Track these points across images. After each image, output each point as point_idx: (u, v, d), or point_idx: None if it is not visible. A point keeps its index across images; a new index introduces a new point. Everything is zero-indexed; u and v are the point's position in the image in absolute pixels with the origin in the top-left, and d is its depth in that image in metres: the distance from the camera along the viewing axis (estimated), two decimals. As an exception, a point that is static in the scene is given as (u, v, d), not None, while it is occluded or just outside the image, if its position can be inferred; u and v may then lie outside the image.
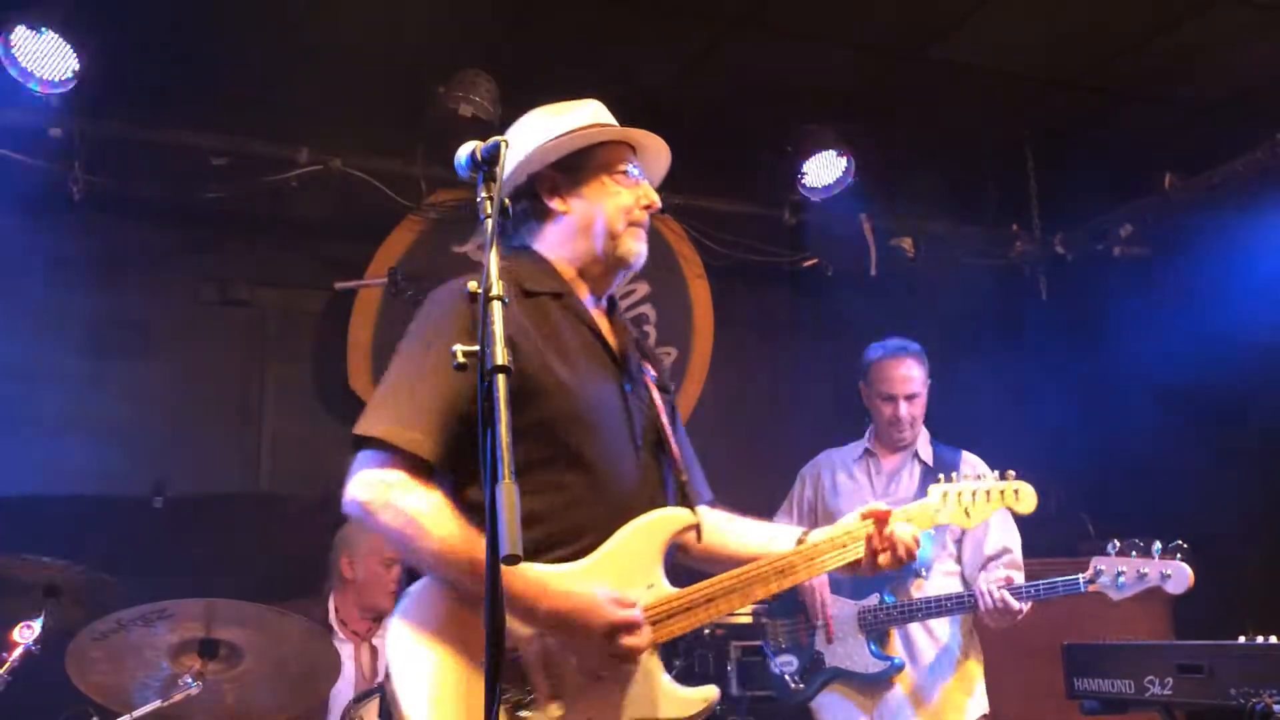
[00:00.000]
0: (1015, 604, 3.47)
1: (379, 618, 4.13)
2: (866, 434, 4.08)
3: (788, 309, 5.71)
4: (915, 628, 3.75)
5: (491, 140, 1.79)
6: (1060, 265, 5.80)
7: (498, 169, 1.77)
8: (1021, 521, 3.87)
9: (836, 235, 5.46)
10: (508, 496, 1.51)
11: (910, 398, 3.90)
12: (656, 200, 2.35)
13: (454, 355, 1.65)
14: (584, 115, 2.36)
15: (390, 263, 4.78)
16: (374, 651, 4.14)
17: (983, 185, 5.82)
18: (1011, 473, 2.54)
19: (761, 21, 4.55)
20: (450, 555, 1.95)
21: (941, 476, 2.48)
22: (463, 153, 1.84)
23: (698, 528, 2.18)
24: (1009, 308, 5.85)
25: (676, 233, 5.41)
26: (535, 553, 2.00)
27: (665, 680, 2.06)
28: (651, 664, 2.05)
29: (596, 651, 1.97)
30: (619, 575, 2.06)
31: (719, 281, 5.45)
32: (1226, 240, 4.96)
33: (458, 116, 4.35)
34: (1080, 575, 3.36)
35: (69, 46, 4.05)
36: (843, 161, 5.08)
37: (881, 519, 2.25)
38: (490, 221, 1.73)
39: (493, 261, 1.70)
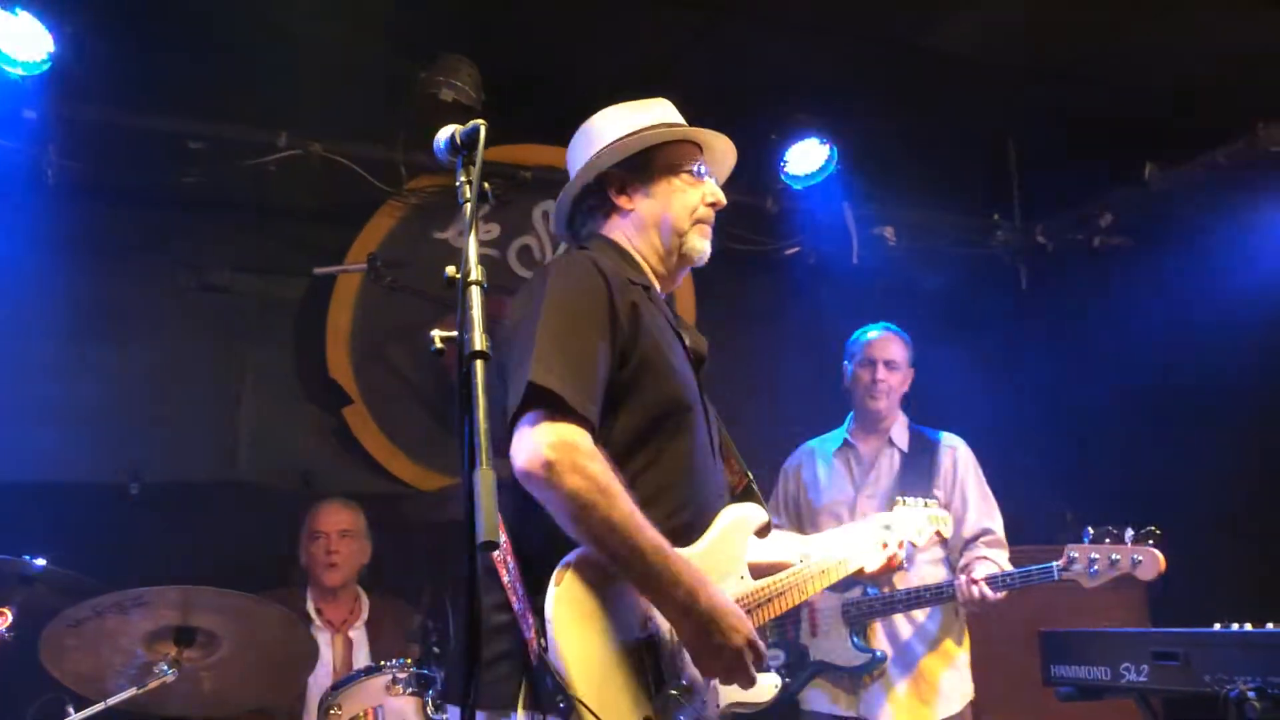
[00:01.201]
0: (991, 595, 3.50)
1: (337, 593, 4.14)
2: (846, 423, 4.09)
3: (770, 296, 5.71)
4: (899, 617, 3.77)
5: (471, 123, 1.77)
6: (1041, 255, 5.81)
7: (477, 152, 1.75)
8: (1000, 511, 3.90)
9: (819, 223, 5.46)
10: (485, 483, 1.49)
11: (889, 364, 3.94)
12: (722, 198, 2.42)
13: (432, 340, 1.64)
14: (652, 115, 2.42)
15: (370, 248, 4.76)
16: (350, 642, 4.13)
17: (965, 174, 5.82)
18: (934, 502, 3.02)
19: (749, 8, 4.53)
20: (633, 530, 1.93)
21: (899, 500, 2.94)
22: (442, 136, 1.83)
23: (768, 526, 2.33)
24: (990, 296, 5.86)
25: (658, 220, 5.39)
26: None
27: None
28: None
29: (731, 656, 2.01)
30: (719, 565, 2.16)
31: (701, 268, 5.43)
32: (1206, 231, 4.98)
33: (439, 101, 4.32)
34: (1054, 563, 3.39)
35: (44, 28, 3.99)
36: (826, 149, 5.08)
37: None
38: (469, 206, 1.72)
39: (471, 246, 1.68)
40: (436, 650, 3.62)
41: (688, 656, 2.04)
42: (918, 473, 3.84)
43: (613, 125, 2.39)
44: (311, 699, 3.85)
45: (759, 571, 2.31)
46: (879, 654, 3.70)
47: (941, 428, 4.07)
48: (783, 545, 2.53)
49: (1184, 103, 5.04)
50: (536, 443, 1.92)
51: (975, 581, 3.52)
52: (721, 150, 2.49)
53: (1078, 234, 5.62)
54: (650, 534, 1.94)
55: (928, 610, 3.78)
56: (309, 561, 4.17)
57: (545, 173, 5.10)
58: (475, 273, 1.66)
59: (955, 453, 3.92)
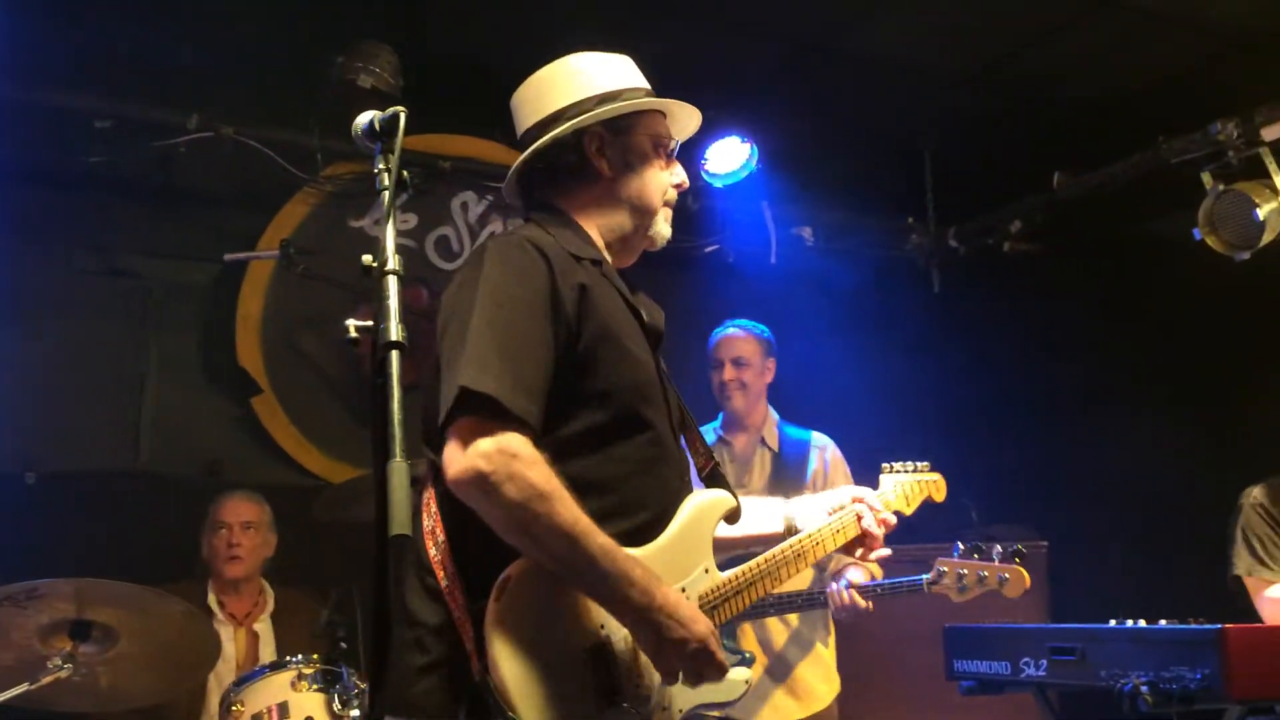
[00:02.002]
0: (863, 603, 3.55)
1: (240, 586, 4.07)
2: (718, 419, 4.09)
3: (688, 294, 5.72)
4: (770, 619, 3.78)
5: (391, 110, 1.74)
6: (953, 259, 5.94)
7: (396, 139, 1.72)
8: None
9: (738, 222, 5.50)
10: (398, 474, 1.47)
11: (736, 362, 3.94)
12: (685, 179, 2.28)
13: (346, 329, 1.61)
14: (627, 74, 2.25)
15: (283, 235, 4.67)
16: (254, 636, 4.05)
17: (882, 177, 5.92)
18: (925, 465, 2.83)
19: (673, 5, 4.54)
20: (578, 537, 1.82)
21: (886, 466, 2.72)
22: (361, 121, 1.79)
23: (737, 510, 2.18)
24: (904, 298, 5.97)
25: (578, 215, 5.38)
26: (595, 522, 1.89)
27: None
28: None
29: (690, 656, 1.91)
30: (682, 560, 2.05)
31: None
32: (1110, 239, 5.14)
33: (357, 88, 4.25)
34: (924, 576, 3.44)
35: (-59, -2, 3.84)
36: (746, 148, 5.11)
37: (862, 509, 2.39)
38: (387, 194, 1.69)
39: (389, 234, 1.66)
40: (344, 645, 3.57)
41: (645, 661, 1.94)
42: (789, 473, 3.86)
43: (593, 76, 2.18)
44: (213, 694, 3.77)
45: (738, 547, 2.25)
46: (748, 655, 3.69)
47: (850, 423, 4.12)
48: (763, 513, 2.39)
49: (1094, 114, 5.20)
50: (469, 453, 1.80)
51: (850, 589, 3.54)
52: (683, 125, 2.32)
53: (988, 239, 5.76)
54: (598, 539, 1.84)
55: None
56: (210, 553, 4.08)
57: (464, 163, 5.06)
58: (392, 262, 1.64)
59: (825, 453, 3.94)
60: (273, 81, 4.67)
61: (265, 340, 4.87)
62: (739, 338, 4.00)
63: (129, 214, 4.74)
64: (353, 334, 1.62)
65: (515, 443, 1.81)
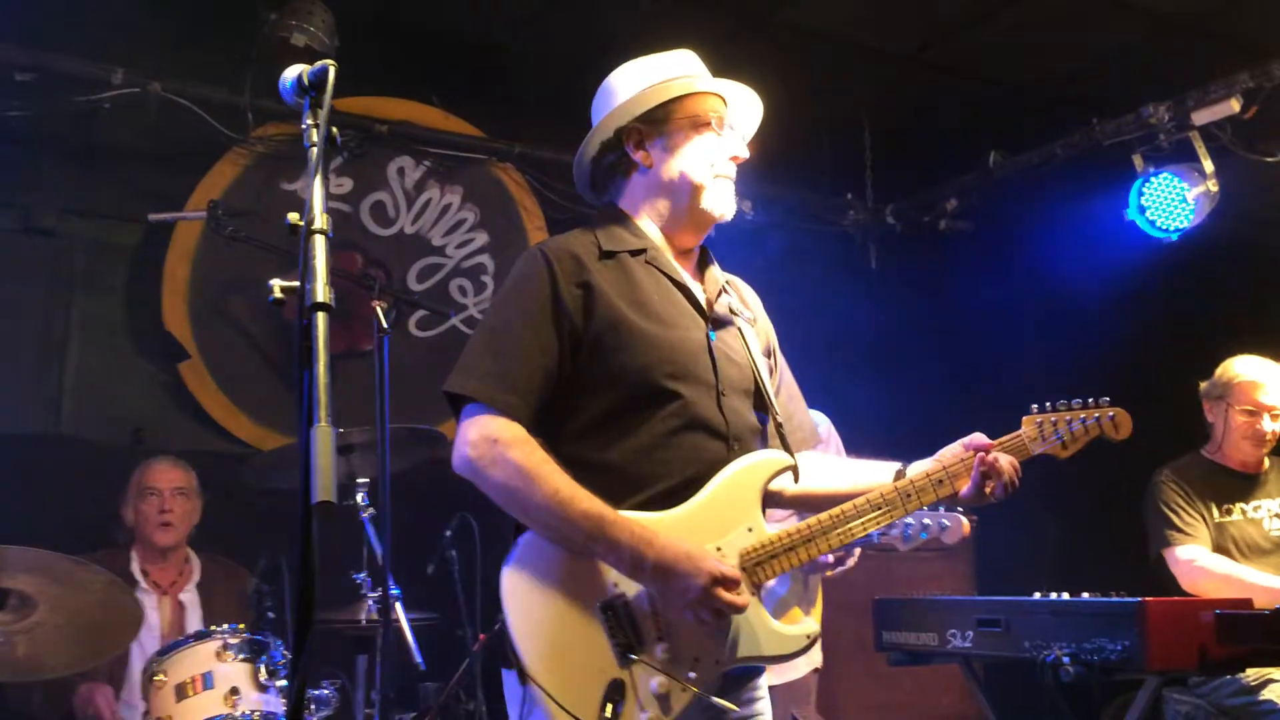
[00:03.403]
0: (825, 559, 3.58)
1: (168, 554, 4.00)
2: None
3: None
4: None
5: (320, 64, 1.68)
6: (890, 235, 5.99)
7: (326, 95, 1.67)
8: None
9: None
10: (323, 441, 1.43)
11: None
12: (744, 152, 2.33)
13: (270, 290, 1.57)
14: (673, 67, 2.35)
15: (212, 196, 4.54)
16: (180, 606, 3.98)
17: (823, 153, 5.93)
18: (1105, 400, 2.42)
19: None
20: (556, 508, 2.01)
21: (1035, 406, 2.40)
22: (289, 76, 1.73)
23: (794, 469, 2.19)
24: (841, 273, 6.00)
25: (518, 183, 5.32)
26: (615, 501, 2.05)
27: (768, 620, 2.10)
28: (754, 604, 2.08)
29: (699, 601, 1.99)
30: (719, 520, 2.10)
31: (559, 233, 5.39)
32: (1043, 218, 5.21)
33: (290, 46, 4.14)
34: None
35: None
36: (686, 120, 5.08)
37: (983, 449, 2.24)
38: (315, 150, 1.64)
39: (317, 193, 1.61)
40: (272, 615, 3.52)
41: (663, 613, 2.04)
42: None
43: (631, 79, 2.33)
44: (136, 664, 3.70)
45: (825, 505, 2.21)
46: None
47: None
48: (873, 470, 2.35)
49: (1030, 95, 5.25)
50: (460, 444, 2.08)
51: None
52: (744, 103, 2.41)
53: (925, 216, 5.81)
54: (582, 506, 2.01)
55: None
56: (138, 520, 3.99)
57: (402, 127, 4.97)
58: (320, 221, 1.59)
59: (819, 430, 3.97)
60: (202, 38, 4.53)
61: (193, 304, 4.75)
62: None
63: (50, 171, 4.57)
64: (277, 294, 1.57)
65: (498, 429, 2.06)
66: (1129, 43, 4.85)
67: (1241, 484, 3.99)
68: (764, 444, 2.25)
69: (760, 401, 2.27)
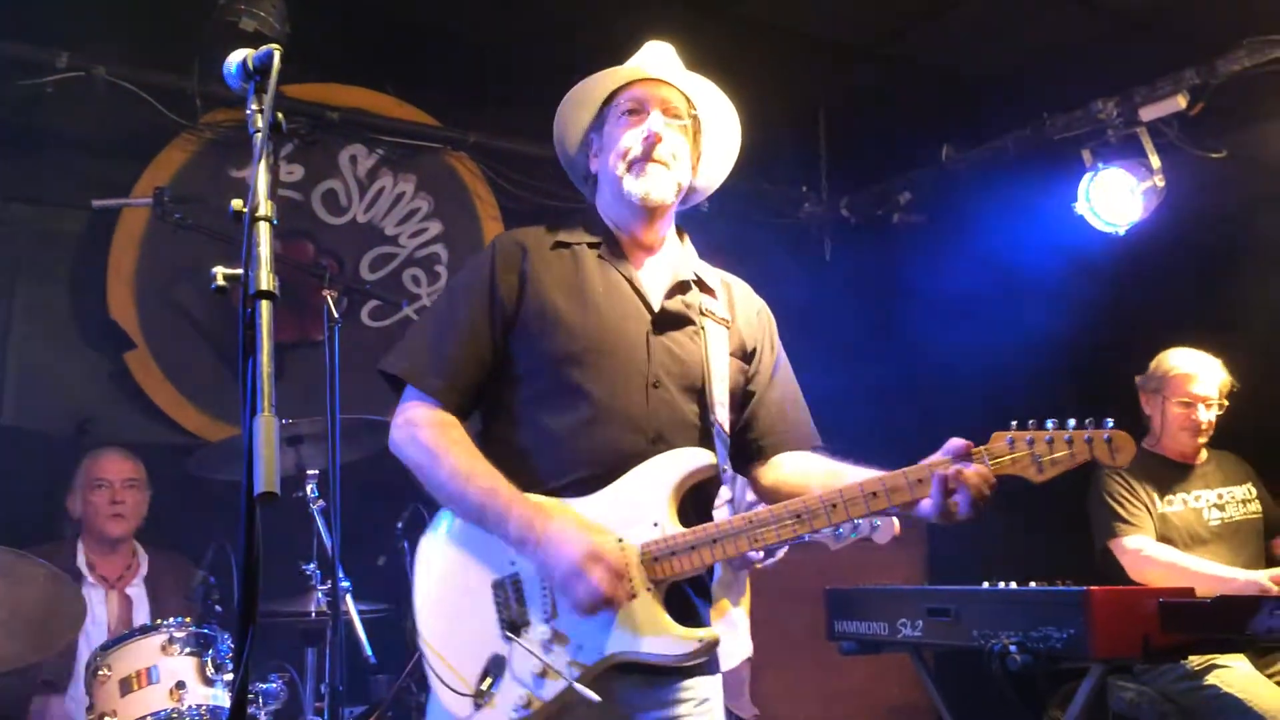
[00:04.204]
0: (754, 554, 3.58)
1: (116, 546, 3.95)
2: None
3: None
4: None
5: (264, 48, 1.66)
6: (845, 228, 6.02)
7: (271, 80, 1.64)
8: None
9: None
10: (266, 430, 1.41)
11: None
12: (655, 127, 2.25)
13: (213, 278, 1.54)
14: (618, 70, 2.34)
15: (159, 183, 4.45)
16: (128, 600, 3.92)
17: (778, 145, 5.94)
18: (1090, 421, 2.06)
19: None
20: (456, 483, 2.10)
21: (1014, 423, 2.11)
22: (233, 61, 1.70)
23: (720, 469, 2.19)
24: (797, 265, 6.03)
25: (472, 172, 5.29)
26: (528, 488, 2.10)
27: (661, 618, 2.06)
28: (648, 601, 2.06)
29: (575, 577, 2.00)
30: (626, 512, 2.10)
31: (514, 224, 5.36)
32: (995, 211, 5.26)
33: (239, 31, 4.07)
34: None
35: None
36: (642, 111, 5.06)
37: (961, 454, 2.04)
38: (259, 136, 1.61)
39: (261, 179, 1.58)
40: (219, 609, 3.47)
41: (555, 596, 2.06)
42: None
43: (583, 91, 2.36)
44: (82, 658, 3.63)
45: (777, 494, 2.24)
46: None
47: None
48: (847, 472, 2.23)
49: (983, 89, 5.30)
50: (392, 423, 2.20)
51: None
52: (657, 66, 2.33)
53: (878, 209, 5.84)
54: (479, 481, 2.08)
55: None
56: (88, 511, 3.93)
57: (354, 114, 4.91)
58: (264, 208, 1.57)
59: None
60: (150, 21, 4.45)
61: (139, 293, 4.68)
62: None
63: (-8, 157, 4.49)
64: (220, 282, 1.54)
65: (418, 411, 2.17)
66: (1080, 39, 4.90)
67: (1181, 474, 4.07)
68: (699, 440, 2.21)
69: (704, 401, 2.24)
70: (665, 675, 2.11)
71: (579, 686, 2.01)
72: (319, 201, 5.02)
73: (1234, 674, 3.61)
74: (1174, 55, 4.52)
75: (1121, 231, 4.73)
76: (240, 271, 1.54)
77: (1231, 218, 5.04)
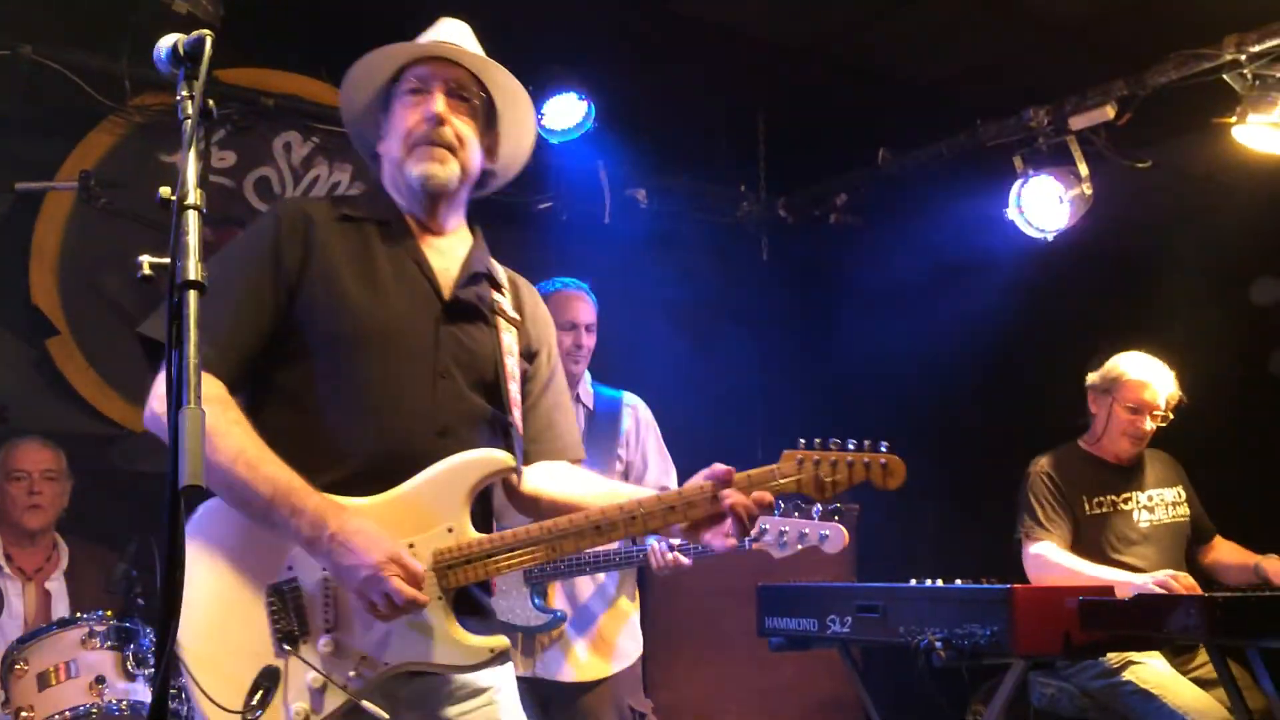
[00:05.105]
0: (686, 561, 3.57)
1: (35, 539, 3.87)
2: None
3: (520, 250, 5.61)
4: (579, 577, 3.77)
5: (196, 33, 1.62)
6: (782, 228, 6.07)
7: (202, 66, 1.60)
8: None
9: (574, 180, 5.45)
10: (191, 423, 1.39)
11: (589, 328, 3.90)
12: (435, 107, 2.14)
13: (140, 266, 1.51)
14: (404, 48, 2.23)
15: (85, 166, 4.35)
16: (47, 593, 3.84)
17: (717, 144, 5.98)
18: (878, 443, 2.14)
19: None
20: (240, 469, 1.90)
21: (802, 441, 2.12)
22: (163, 45, 1.65)
23: (517, 471, 2.09)
24: (734, 264, 6.07)
25: (410, 163, 5.23)
26: (306, 475, 1.94)
27: (452, 627, 1.97)
28: (438, 609, 1.97)
29: (370, 581, 1.87)
30: (419, 516, 1.99)
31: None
32: (929, 215, 5.34)
33: (171, 12, 3.99)
34: None
35: None
36: (584, 106, 5.05)
37: (723, 480, 2.02)
38: (190, 123, 1.58)
39: (191, 166, 1.55)
40: (141, 602, 3.41)
41: (347, 610, 1.95)
42: (603, 431, 3.85)
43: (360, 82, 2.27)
44: (-2, 651, 3.54)
45: (563, 513, 2.09)
46: (559, 614, 3.67)
47: (674, 386, 4.14)
48: (615, 488, 2.22)
49: (919, 95, 5.38)
50: (150, 397, 2.00)
51: (674, 550, 3.55)
52: (439, 46, 2.22)
53: (815, 210, 5.91)
54: (269, 470, 1.90)
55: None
56: (4, 504, 3.83)
57: (289, 101, 4.84)
58: (193, 195, 1.53)
59: (636, 412, 3.95)
60: (79, 1, 4.33)
61: (63, 278, 4.55)
62: (587, 301, 3.92)
63: (-91, 135, 4.34)
64: (146, 271, 1.51)
65: None
66: (1014, 48, 4.99)
67: (1113, 477, 4.09)
68: (490, 438, 2.12)
69: (496, 398, 2.14)
70: (454, 684, 2.04)
71: (366, 704, 1.90)
72: (251, 189, 4.93)
73: (1149, 670, 3.71)
74: (1104, 66, 4.62)
75: (1050, 237, 4.83)
76: (167, 260, 1.51)
77: (1155, 227, 5.18)
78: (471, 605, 2.07)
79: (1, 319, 4.53)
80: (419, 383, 2.06)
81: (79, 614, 3.29)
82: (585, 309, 3.92)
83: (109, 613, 3.27)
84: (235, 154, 4.87)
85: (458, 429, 2.07)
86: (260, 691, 1.89)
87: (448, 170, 2.14)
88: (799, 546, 3.36)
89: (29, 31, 4.24)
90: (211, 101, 1.63)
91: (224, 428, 1.92)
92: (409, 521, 1.98)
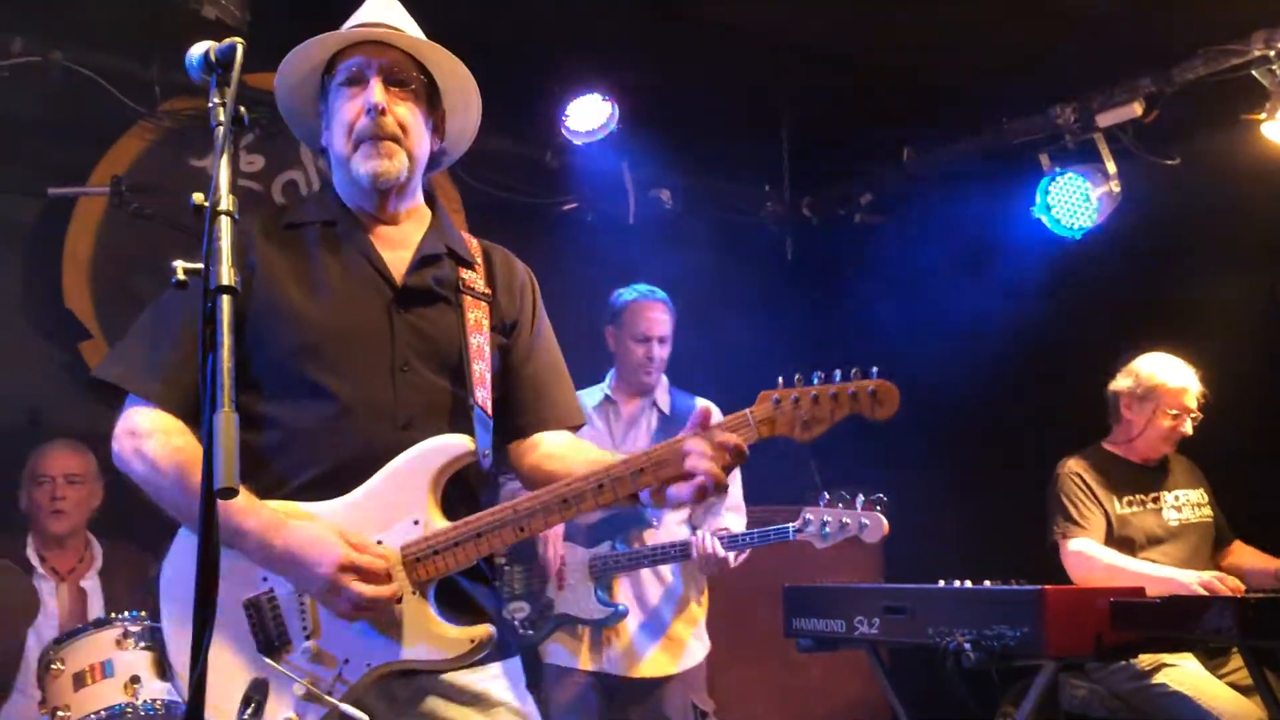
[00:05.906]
0: (723, 552, 3.61)
1: (63, 541, 3.91)
2: (607, 379, 4.10)
3: (545, 252, 5.64)
4: (646, 574, 3.84)
5: (227, 41, 1.64)
6: (806, 227, 6.06)
7: (233, 73, 1.62)
8: (751, 469, 4.04)
9: (598, 181, 5.46)
10: (226, 426, 1.41)
11: (662, 340, 3.95)
12: (375, 98, 2.06)
13: (174, 271, 1.53)
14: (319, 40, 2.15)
15: (116, 171, 4.40)
16: (82, 593, 3.87)
17: (741, 144, 5.96)
18: (868, 370, 2.03)
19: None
20: (187, 499, 1.93)
21: (780, 379, 2.01)
22: (195, 52, 1.68)
23: (475, 455, 2.02)
24: (758, 264, 6.06)
25: (435, 166, 5.25)
26: (270, 490, 1.98)
27: (429, 620, 1.96)
28: (415, 604, 1.96)
29: (328, 590, 1.89)
30: (383, 511, 1.98)
31: (476, 219, 5.34)
32: (955, 214, 5.31)
33: (200, 18, 4.03)
34: (790, 524, 3.53)
35: None
36: (607, 107, 5.07)
37: (701, 422, 1.96)
38: (221, 130, 1.60)
39: (223, 173, 1.57)
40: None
41: (315, 610, 1.96)
42: (675, 432, 3.88)
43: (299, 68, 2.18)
44: (32, 652, 3.58)
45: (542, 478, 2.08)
46: (621, 608, 3.75)
47: (706, 386, 4.15)
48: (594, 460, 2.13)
49: (945, 93, 5.34)
50: (114, 435, 2.02)
51: (713, 536, 3.62)
52: (371, 30, 2.12)
53: (839, 209, 5.89)
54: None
55: (672, 568, 3.87)
56: (31, 507, 3.88)
57: (316, 106, 4.86)
58: (225, 201, 1.55)
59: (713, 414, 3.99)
60: (108, 6, 4.38)
61: (95, 282, 4.61)
62: (666, 313, 3.97)
63: (-57, 142, 4.40)
64: (180, 276, 1.53)
65: (140, 420, 2.00)
66: (1039, 45, 4.96)
67: (1142, 477, 4.12)
68: (455, 424, 2.06)
69: (461, 381, 2.09)
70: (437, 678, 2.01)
71: (345, 707, 1.90)
72: (280, 192, 4.97)
73: (1182, 673, 3.68)
74: (1131, 63, 4.59)
75: (1078, 235, 4.79)
76: (200, 266, 1.52)
77: (1184, 224, 5.13)
78: (454, 596, 2.04)
79: (34, 322, 4.59)
80: (378, 380, 2.04)
81: (114, 614, 3.32)
82: (658, 321, 3.95)
83: (144, 613, 3.30)
84: (263, 158, 4.91)
85: (421, 420, 2.04)
86: (251, 705, 1.90)
87: (395, 164, 2.09)
88: (842, 536, 3.41)
89: (60, 38, 4.29)
90: (243, 108, 1.65)
91: (168, 459, 1.96)
92: (375, 518, 1.98)
